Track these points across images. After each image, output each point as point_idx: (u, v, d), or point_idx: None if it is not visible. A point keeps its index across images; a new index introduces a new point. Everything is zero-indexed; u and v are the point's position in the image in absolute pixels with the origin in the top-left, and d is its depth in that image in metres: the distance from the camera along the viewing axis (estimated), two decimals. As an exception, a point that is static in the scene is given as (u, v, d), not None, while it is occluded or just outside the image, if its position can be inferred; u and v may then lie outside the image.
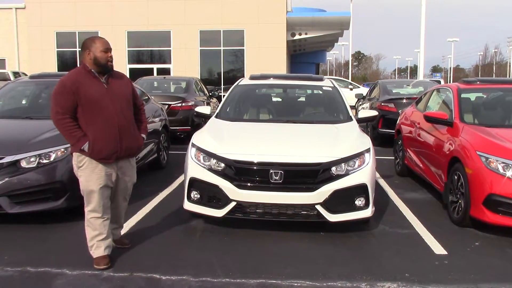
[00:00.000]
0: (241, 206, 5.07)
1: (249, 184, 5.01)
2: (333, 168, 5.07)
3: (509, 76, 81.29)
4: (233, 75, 26.98)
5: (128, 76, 4.92)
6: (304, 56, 40.24)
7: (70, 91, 4.13)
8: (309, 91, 7.62)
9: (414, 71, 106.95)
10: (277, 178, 4.96)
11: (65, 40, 27.62)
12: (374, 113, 6.71)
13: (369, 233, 5.41)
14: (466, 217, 5.49)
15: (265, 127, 6.17)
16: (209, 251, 4.80)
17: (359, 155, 5.26)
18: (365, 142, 5.55)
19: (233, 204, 5.04)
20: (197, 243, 5.05)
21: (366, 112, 6.77)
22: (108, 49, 4.27)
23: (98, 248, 4.35)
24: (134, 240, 5.01)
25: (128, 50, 27.44)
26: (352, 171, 5.13)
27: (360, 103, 15.27)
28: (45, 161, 5.31)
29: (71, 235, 5.15)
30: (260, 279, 4.15)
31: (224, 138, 5.58)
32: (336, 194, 5.00)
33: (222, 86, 26.37)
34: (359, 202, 5.15)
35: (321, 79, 7.44)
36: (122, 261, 4.50)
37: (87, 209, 4.33)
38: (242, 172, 5.05)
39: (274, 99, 7.42)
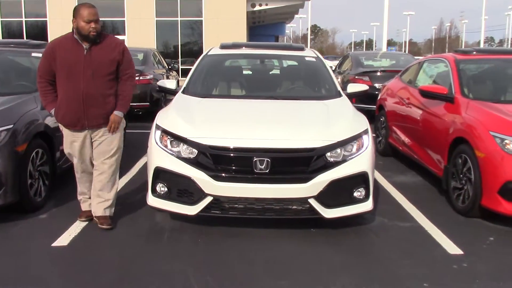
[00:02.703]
0: (218, 201, 4.16)
1: (228, 175, 4.11)
2: (328, 154, 4.22)
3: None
4: (191, 48, 25.92)
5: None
6: (263, 28, 39.28)
7: (48, 56, 4.22)
8: (289, 62, 6.67)
9: (369, 44, 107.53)
10: (262, 167, 4.07)
11: (10, 9, 25.71)
12: (365, 87, 5.85)
13: (366, 228, 4.63)
14: (475, 206, 4.78)
15: (244, 105, 5.20)
16: (181, 259, 3.88)
17: (357, 137, 4.42)
18: (362, 122, 4.70)
19: (209, 199, 4.13)
20: (165, 248, 4.10)
21: (355, 86, 5.89)
22: (90, 20, 4.12)
23: (84, 202, 4.65)
24: (85, 247, 4.07)
25: (79, 21, 25.72)
26: (349, 157, 4.29)
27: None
28: (-28, 148, 4.28)
29: (6, 240, 4.16)
30: (248, 298, 3.30)
31: (196, 119, 4.60)
32: (333, 185, 4.16)
33: (180, 59, 25.20)
34: (358, 193, 4.33)
35: (302, 49, 6.48)
36: (70, 276, 3.55)
37: None
38: (219, 160, 4.13)
39: (251, 71, 6.45)
